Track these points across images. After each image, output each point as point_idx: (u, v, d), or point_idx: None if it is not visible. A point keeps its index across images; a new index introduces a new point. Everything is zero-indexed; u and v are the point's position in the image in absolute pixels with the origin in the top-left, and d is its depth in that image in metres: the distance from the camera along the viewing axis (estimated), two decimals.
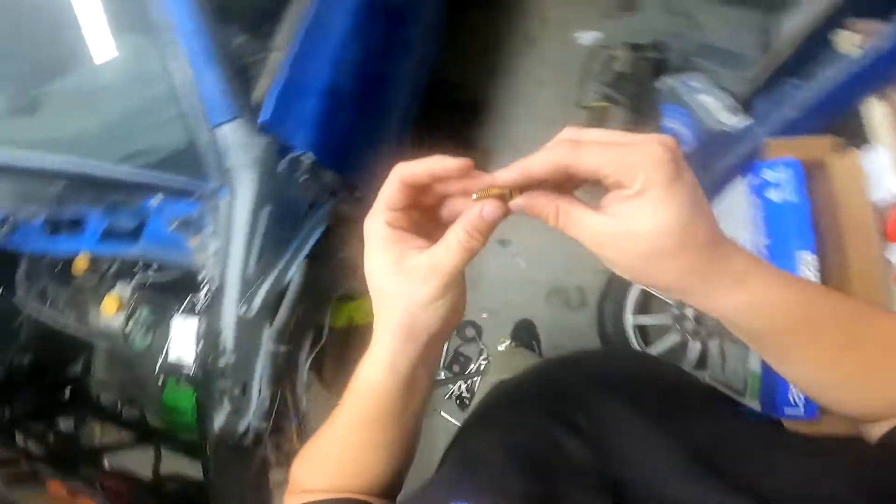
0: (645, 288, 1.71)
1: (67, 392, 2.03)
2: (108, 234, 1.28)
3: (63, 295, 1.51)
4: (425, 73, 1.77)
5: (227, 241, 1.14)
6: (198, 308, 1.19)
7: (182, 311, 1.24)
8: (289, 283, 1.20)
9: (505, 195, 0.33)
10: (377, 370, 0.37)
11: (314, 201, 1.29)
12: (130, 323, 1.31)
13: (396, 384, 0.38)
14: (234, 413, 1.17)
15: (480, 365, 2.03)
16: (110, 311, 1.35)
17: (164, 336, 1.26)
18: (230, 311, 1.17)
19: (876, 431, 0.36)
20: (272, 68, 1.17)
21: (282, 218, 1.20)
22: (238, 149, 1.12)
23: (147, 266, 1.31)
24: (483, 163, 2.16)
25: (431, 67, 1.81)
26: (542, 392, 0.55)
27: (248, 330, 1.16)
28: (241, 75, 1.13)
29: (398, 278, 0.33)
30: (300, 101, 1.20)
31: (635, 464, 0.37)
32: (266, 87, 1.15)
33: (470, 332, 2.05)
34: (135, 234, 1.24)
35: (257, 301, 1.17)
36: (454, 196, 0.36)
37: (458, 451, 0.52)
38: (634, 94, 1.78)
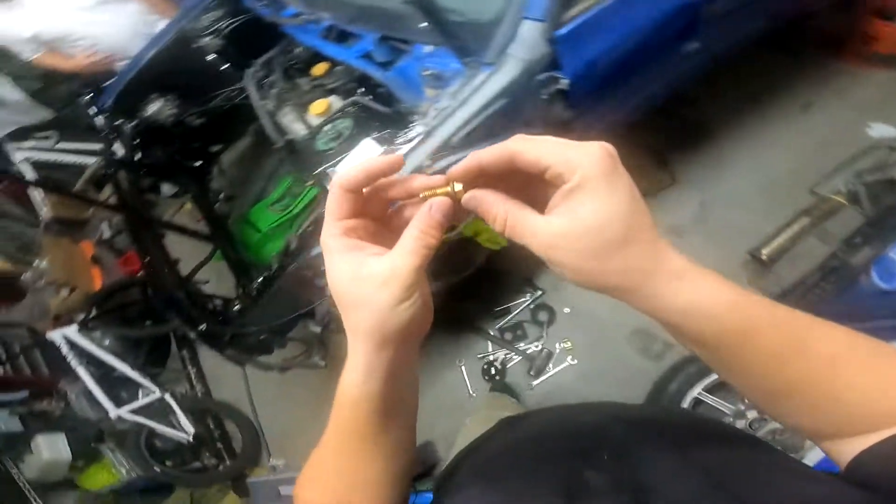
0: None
1: (197, 163, 2.23)
2: (368, 56, 1.43)
3: (281, 86, 1.70)
4: (680, 77, 1.77)
5: (459, 104, 1.24)
6: (397, 141, 1.27)
7: (376, 138, 1.34)
8: None
9: (451, 193, 0.34)
10: (355, 381, 0.37)
11: (532, 119, 1.35)
12: (328, 126, 1.42)
13: (377, 392, 0.37)
14: None
15: (531, 349, 1.92)
16: (316, 110, 1.50)
17: (346, 150, 1.36)
18: (417, 158, 1.25)
19: (844, 456, 0.35)
20: (590, 3, 1.28)
21: (506, 114, 1.28)
22: (524, 43, 1.24)
23: (371, 90, 1.42)
24: (654, 188, 2.04)
25: (688, 76, 1.79)
26: (562, 428, 0.54)
27: None
28: None
29: (360, 285, 0.33)
30: (591, 39, 1.29)
31: (658, 491, 0.36)
32: (577, 12, 1.27)
33: (543, 316, 1.94)
34: (386, 65, 1.39)
35: (442, 164, 1.25)
36: (405, 203, 0.38)
37: (474, 468, 0.52)
38: (888, 207, 1.62)
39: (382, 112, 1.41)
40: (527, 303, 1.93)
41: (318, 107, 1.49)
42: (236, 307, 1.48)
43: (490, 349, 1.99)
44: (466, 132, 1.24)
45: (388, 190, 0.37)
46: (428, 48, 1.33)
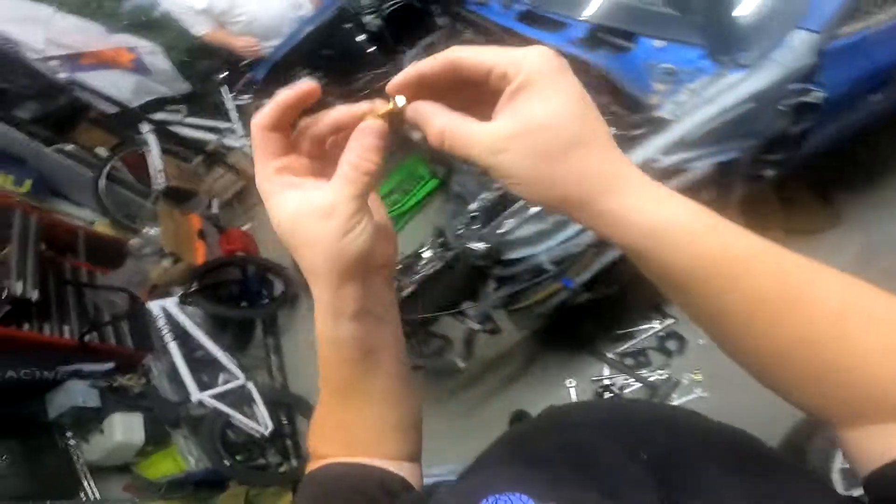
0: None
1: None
2: (575, 43, 1.36)
3: None
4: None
5: (703, 102, 1.16)
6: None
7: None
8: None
9: (394, 109, 0.33)
10: (325, 327, 0.36)
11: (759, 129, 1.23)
12: None
13: (350, 335, 0.36)
14: None
15: (654, 377, 1.81)
16: None
17: None
18: (648, 150, 1.17)
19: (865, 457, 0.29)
20: (879, 20, 1.21)
21: (744, 119, 1.18)
22: (791, 51, 1.16)
23: None
24: (815, 227, 1.86)
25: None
26: (607, 423, 0.53)
27: None
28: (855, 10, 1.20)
29: (303, 222, 0.32)
30: (857, 59, 1.21)
31: (696, 494, 0.35)
32: (852, 30, 1.20)
33: (672, 344, 1.83)
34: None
35: (673, 158, 1.16)
36: (342, 133, 0.34)
37: (514, 447, 0.52)
38: None
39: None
40: (655, 330, 1.85)
41: None
42: None
43: (606, 373, 1.90)
44: (705, 130, 1.17)
45: (319, 125, 0.34)
46: (659, 43, 1.25)
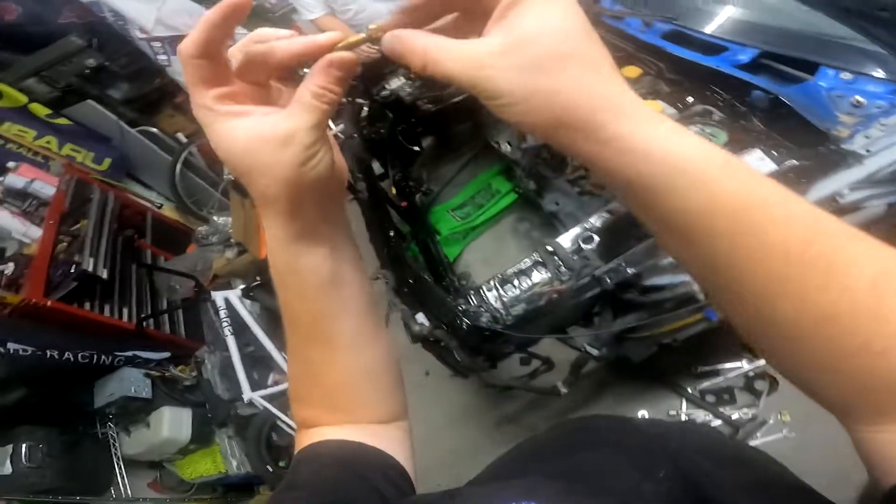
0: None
1: (416, 148, 2.14)
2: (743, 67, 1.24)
3: None
4: None
5: None
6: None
7: (765, 150, 1.12)
8: None
9: (371, 35, 0.31)
10: (284, 254, 0.36)
11: None
12: (694, 129, 1.19)
13: (310, 259, 0.36)
14: None
15: (736, 415, 1.75)
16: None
17: None
18: (833, 185, 1.06)
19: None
20: None
21: None
22: None
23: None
24: None
25: None
26: (627, 437, 0.52)
27: None
28: None
29: (257, 150, 0.31)
30: None
31: None
32: None
33: (761, 385, 1.78)
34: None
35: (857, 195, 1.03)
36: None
37: (528, 458, 0.52)
38: None
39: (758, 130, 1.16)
40: (743, 369, 1.79)
41: (653, 108, 1.26)
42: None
43: (684, 408, 1.86)
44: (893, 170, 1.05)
45: (281, 53, 0.31)
46: (845, 75, 1.14)
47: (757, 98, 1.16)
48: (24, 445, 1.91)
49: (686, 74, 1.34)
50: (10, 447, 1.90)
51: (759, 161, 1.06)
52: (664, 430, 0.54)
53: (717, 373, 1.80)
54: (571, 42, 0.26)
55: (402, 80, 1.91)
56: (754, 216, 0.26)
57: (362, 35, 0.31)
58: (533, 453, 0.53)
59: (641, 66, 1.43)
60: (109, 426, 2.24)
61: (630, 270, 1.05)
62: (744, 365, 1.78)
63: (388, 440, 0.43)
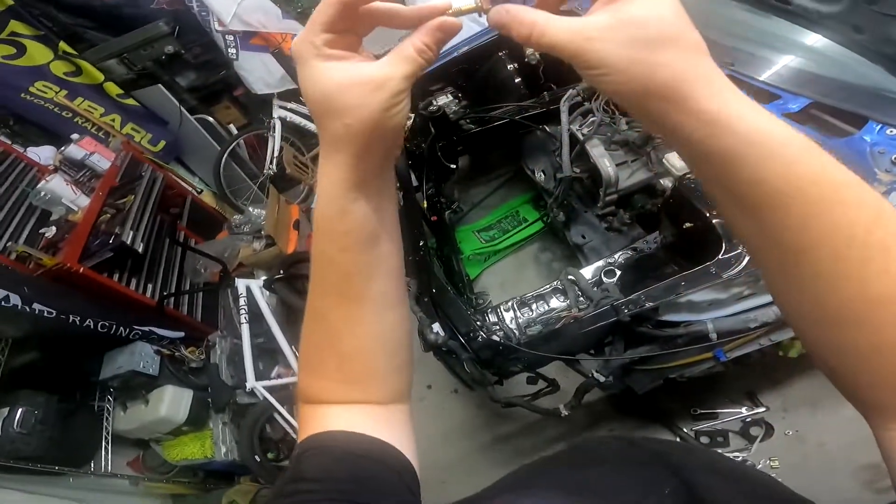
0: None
1: (452, 165, 2.22)
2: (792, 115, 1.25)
3: (598, 118, 1.61)
4: None
5: None
6: None
7: None
8: None
9: (478, 6, 0.34)
10: (339, 197, 0.37)
11: None
12: None
13: (361, 207, 0.38)
14: None
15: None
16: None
17: None
18: None
19: None
20: None
21: None
22: None
23: None
24: None
25: None
26: (630, 456, 0.54)
27: None
28: None
29: (351, 90, 0.34)
30: None
31: None
32: None
33: (756, 431, 1.78)
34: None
35: None
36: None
37: (532, 476, 0.53)
38: None
39: None
40: (741, 415, 1.84)
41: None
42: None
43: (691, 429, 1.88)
44: None
45: (401, 17, 0.36)
46: (891, 130, 1.15)
47: None
48: (19, 410, 1.93)
49: None
50: (5, 410, 1.93)
51: None
52: (667, 448, 0.55)
53: (715, 416, 1.85)
54: (675, 28, 0.29)
55: (450, 97, 2.01)
56: (825, 195, 0.27)
57: (472, 4, 0.34)
58: (542, 470, 0.53)
59: None
60: (108, 399, 2.28)
61: (649, 304, 1.07)
62: (743, 411, 1.81)
63: (393, 428, 0.43)
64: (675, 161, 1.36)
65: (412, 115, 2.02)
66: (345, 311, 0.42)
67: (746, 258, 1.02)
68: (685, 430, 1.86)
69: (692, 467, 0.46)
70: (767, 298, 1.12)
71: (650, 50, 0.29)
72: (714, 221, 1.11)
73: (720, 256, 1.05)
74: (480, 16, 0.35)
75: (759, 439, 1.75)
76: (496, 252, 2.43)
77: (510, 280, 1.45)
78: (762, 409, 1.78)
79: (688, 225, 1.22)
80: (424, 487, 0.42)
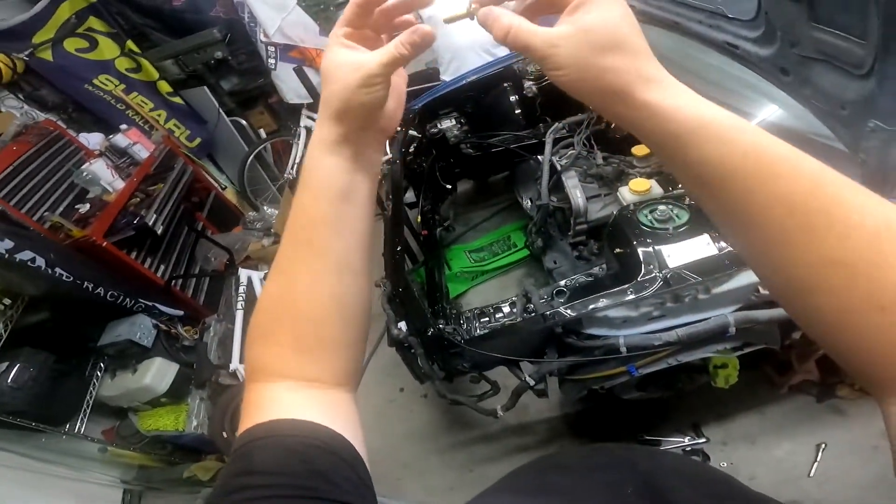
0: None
1: (448, 186, 2.45)
2: None
3: (578, 151, 1.83)
4: None
5: None
6: None
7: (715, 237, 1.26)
8: None
9: (468, 11, 0.44)
10: (318, 147, 0.47)
11: None
12: (663, 207, 1.38)
13: (335, 161, 0.46)
14: None
15: None
16: (637, 188, 1.51)
17: (676, 238, 1.30)
18: None
19: None
20: None
21: None
22: None
23: None
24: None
25: None
26: (594, 461, 0.59)
27: None
28: None
29: (342, 67, 0.44)
30: None
31: None
32: None
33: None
34: None
35: None
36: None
37: (500, 484, 0.55)
38: None
39: None
40: (684, 444, 1.95)
41: (640, 185, 1.50)
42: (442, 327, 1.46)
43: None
44: None
45: (395, 13, 0.46)
46: None
47: None
48: (17, 366, 2.09)
49: None
50: (4, 365, 2.09)
51: (705, 245, 1.22)
52: (633, 453, 0.60)
53: (659, 443, 1.96)
54: (619, 33, 0.36)
55: (453, 122, 2.27)
56: (762, 169, 0.31)
57: (463, 11, 0.44)
58: (509, 482, 0.56)
59: None
60: (100, 366, 2.49)
61: (569, 313, 1.23)
62: (685, 440, 1.93)
63: (341, 417, 0.44)
64: (626, 194, 1.53)
65: (419, 135, 2.27)
66: (307, 264, 0.45)
67: (659, 283, 1.17)
68: None
69: (655, 469, 0.50)
70: (671, 322, 1.26)
71: (599, 54, 0.35)
72: (639, 249, 1.27)
73: (637, 279, 1.20)
74: (472, 19, 0.44)
75: None
76: (483, 272, 2.61)
77: (492, 300, 1.63)
78: (703, 441, 1.89)
79: (618, 251, 1.38)
80: (380, 482, 0.49)
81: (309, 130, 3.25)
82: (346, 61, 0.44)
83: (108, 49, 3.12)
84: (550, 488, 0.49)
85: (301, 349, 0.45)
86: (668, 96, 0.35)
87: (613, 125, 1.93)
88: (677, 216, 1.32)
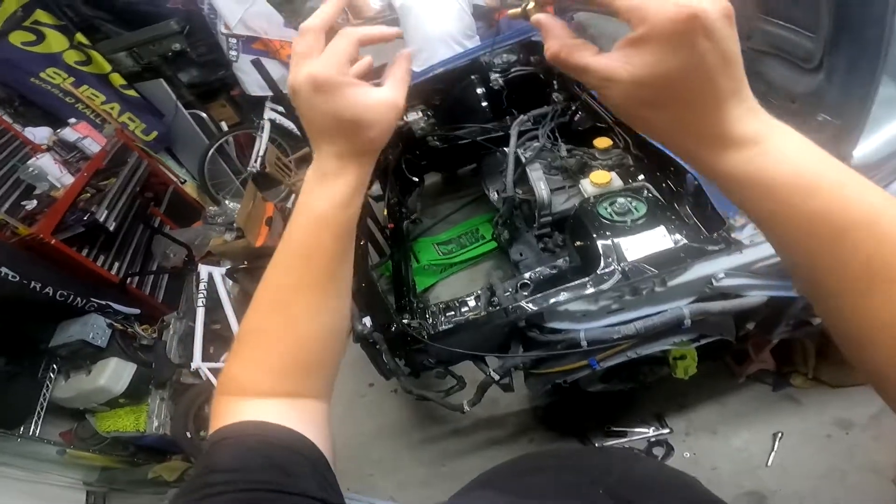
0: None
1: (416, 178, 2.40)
2: None
3: (542, 143, 1.81)
4: None
5: None
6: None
7: (670, 229, 1.27)
8: None
9: (525, 10, 0.42)
10: (348, 202, 0.44)
11: None
12: (622, 199, 1.38)
13: (357, 207, 0.46)
14: None
15: None
16: (598, 180, 1.51)
17: (634, 230, 1.30)
18: (711, 267, 1.19)
19: None
20: None
21: None
22: None
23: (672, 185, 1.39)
24: (828, 386, 1.78)
25: None
26: (569, 463, 0.62)
27: None
28: None
29: (374, 109, 0.42)
30: None
31: None
32: None
33: (658, 450, 1.90)
34: None
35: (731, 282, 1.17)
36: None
37: (476, 483, 0.57)
38: None
39: (677, 210, 1.34)
40: (648, 435, 1.98)
41: (601, 177, 1.51)
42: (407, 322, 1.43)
43: None
44: (770, 263, 1.20)
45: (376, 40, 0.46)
46: None
47: (689, 182, 1.33)
48: None
49: (647, 153, 1.56)
50: None
51: (662, 237, 1.23)
52: (607, 457, 0.64)
53: (624, 434, 2.00)
54: (681, 88, 0.32)
55: (419, 114, 2.23)
56: (842, 233, 0.30)
57: (518, 9, 0.43)
58: (486, 481, 0.57)
59: (614, 137, 1.68)
60: (53, 367, 2.35)
61: (530, 307, 1.22)
62: (650, 431, 1.97)
63: (308, 422, 0.43)
64: (587, 186, 1.53)
65: None
66: (314, 297, 0.45)
67: (617, 276, 1.17)
68: (597, 444, 1.99)
69: (625, 471, 0.54)
70: (630, 315, 1.27)
71: (650, 110, 0.33)
72: (598, 243, 1.26)
73: (597, 272, 1.20)
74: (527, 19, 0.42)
75: (660, 458, 1.87)
76: (452, 265, 2.60)
77: (461, 293, 1.61)
78: (667, 431, 1.93)
79: (579, 244, 1.38)
80: (352, 478, 0.50)
81: (273, 122, 3.14)
82: (380, 101, 0.43)
83: (56, 42, 2.97)
84: (527, 490, 0.51)
85: (287, 374, 0.45)
86: (753, 158, 0.32)
87: (577, 117, 1.93)
88: (636, 209, 1.33)
